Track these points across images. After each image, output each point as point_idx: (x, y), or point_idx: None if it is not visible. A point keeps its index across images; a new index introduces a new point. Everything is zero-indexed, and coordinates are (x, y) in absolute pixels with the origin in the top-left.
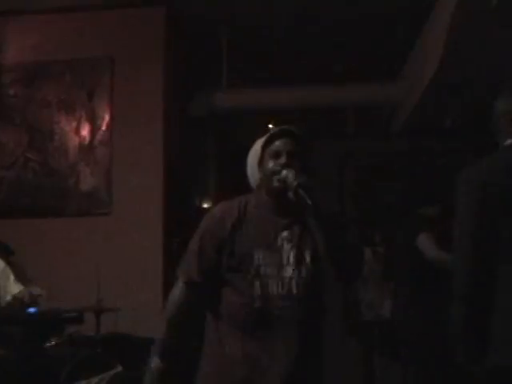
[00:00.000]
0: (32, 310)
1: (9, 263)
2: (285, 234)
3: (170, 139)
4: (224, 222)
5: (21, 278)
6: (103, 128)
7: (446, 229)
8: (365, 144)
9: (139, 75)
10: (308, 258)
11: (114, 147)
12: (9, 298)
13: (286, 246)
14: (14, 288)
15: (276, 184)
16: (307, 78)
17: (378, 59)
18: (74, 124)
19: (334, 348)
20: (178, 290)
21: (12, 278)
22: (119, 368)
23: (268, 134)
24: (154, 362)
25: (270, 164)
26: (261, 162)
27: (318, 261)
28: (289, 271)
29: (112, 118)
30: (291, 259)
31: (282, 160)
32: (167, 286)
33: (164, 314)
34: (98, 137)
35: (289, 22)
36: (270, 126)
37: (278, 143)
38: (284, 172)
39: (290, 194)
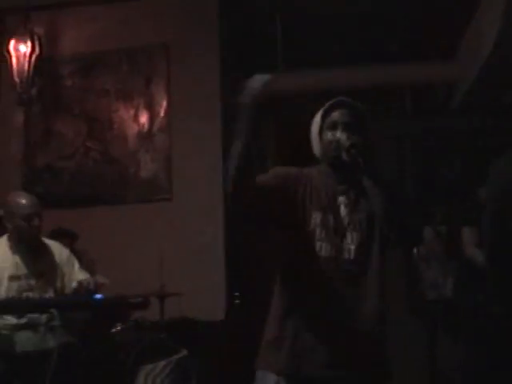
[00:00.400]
0: (98, 296)
1: (73, 250)
2: (341, 198)
3: (228, 123)
4: (294, 174)
5: (85, 264)
6: (161, 115)
7: None
8: (423, 123)
9: (195, 61)
10: (364, 223)
11: (173, 134)
12: (74, 284)
13: (343, 211)
14: (79, 275)
15: (332, 154)
16: (362, 57)
17: (433, 37)
18: (133, 112)
19: (396, 328)
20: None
21: (77, 265)
22: (184, 352)
23: (326, 105)
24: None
25: (328, 135)
26: (321, 132)
27: (374, 225)
28: (344, 235)
29: (170, 105)
30: (346, 223)
31: (339, 132)
32: (228, 271)
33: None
34: (157, 124)
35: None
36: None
37: (335, 114)
38: (337, 135)
39: (344, 155)
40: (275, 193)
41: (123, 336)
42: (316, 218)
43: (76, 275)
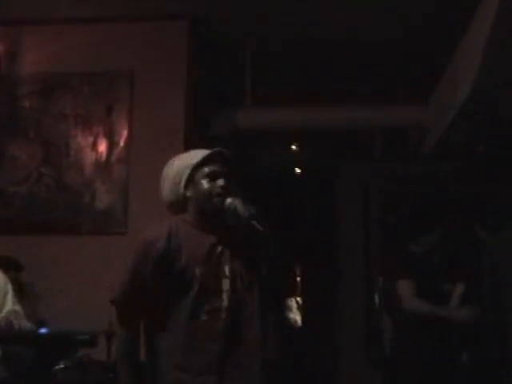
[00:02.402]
0: (42, 330)
1: (18, 281)
2: (219, 249)
3: None
4: (157, 242)
5: (29, 297)
6: (121, 144)
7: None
8: (392, 168)
9: (160, 91)
10: (241, 273)
11: (132, 165)
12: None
13: (222, 260)
14: (8, 306)
15: (215, 207)
16: (333, 97)
17: (406, 82)
18: (91, 139)
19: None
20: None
21: (10, 295)
22: None
23: (202, 155)
24: None
25: (206, 185)
26: (189, 181)
27: (251, 275)
28: (226, 284)
29: (130, 135)
30: (227, 273)
31: (221, 182)
32: None
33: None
34: (116, 153)
35: (315, 38)
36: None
37: (213, 165)
38: (229, 200)
39: (241, 225)
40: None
41: (66, 375)
42: (197, 271)
43: (8, 305)
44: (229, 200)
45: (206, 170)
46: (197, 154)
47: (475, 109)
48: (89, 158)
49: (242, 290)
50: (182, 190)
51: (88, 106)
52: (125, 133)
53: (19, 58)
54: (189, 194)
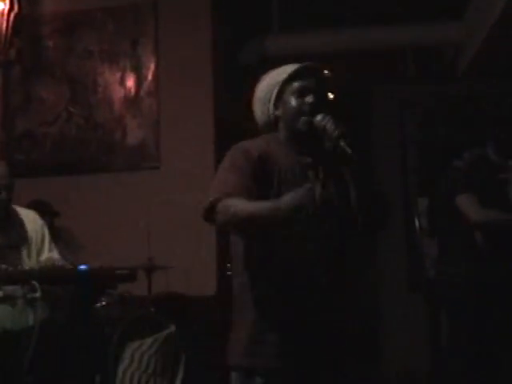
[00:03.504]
0: (83, 267)
1: (53, 226)
2: (310, 173)
3: (220, 89)
4: (251, 154)
5: (65, 241)
6: (149, 78)
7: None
8: (426, 88)
9: (185, 22)
10: (334, 199)
11: (161, 98)
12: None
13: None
14: (47, 252)
15: (304, 125)
16: (365, 18)
17: None
18: (118, 75)
19: (398, 305)
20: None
21: (47, 240)
22: (172, 328)
23: (291, 69)
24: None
25: (295, 102)
26: (278, 98)
27: (343, 203)
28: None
29: (158, 68)
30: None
31: (309, 99)
32: (220, 244)
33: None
34: (144, 88)
35: None
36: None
37: (302, 80)
38: (319, 117)
39: (329, 144)
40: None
41: (109, 311)
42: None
43: (44, 251)
44: (318, 117)
45: (295, 85)
46: (285, 70)
47: (511, 22)
48: (117, 93)
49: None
50: (271, 109)
51: (113, 42)
52: (152, 66)
53: None
54: (278, 112)
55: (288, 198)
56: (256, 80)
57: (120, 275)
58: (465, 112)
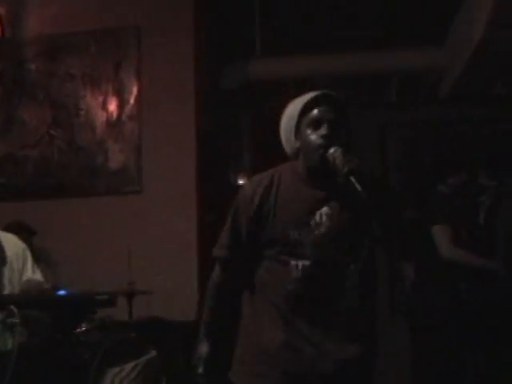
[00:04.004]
0: (62, 292)
1: (31, 246)
2: (324, 209)
3: (202, 113)
4: (254, 196)
5: (45, 262)
6: (131, 102)
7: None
8: (408, 113)
9: (168, 46)
10: (349, 230)
11: (144, 122)
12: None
13: (326, 223)
14: (30, 274)
15: (318, 159)
16: (346, 43)
17: (420, 24)
18: (101, 98)
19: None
20: (215, 271)
21: (30, 263)
22: (153, 353)
23: (306, 99)
24: (203, 346)
25: (310, 135)
26: (297, 129)
27: (359, 237)
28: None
29: (140, 92)
30: (331, 237)
31: (323, 131)
32: (201, 268)
33: (205, 297)
34: (127, 111)
35: None
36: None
37: (317, 110)
38: (331, 151)
39: (340, 180)
40: (244, 236)
41: (89, 336)
42: (291, 233)
43: (27, 274)
44: (331, 151)
45: (310, 116)
46: (302, 100)
47: (490, 48)
48: (99, 117)
49: (340, 254)
50: (293, 141)
51: (95, 65)
52: (134, 90)
53: (23, 19)
54: (297, 144)
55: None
56: (237, 105)
57: (99, 300)
58: (449, 136)
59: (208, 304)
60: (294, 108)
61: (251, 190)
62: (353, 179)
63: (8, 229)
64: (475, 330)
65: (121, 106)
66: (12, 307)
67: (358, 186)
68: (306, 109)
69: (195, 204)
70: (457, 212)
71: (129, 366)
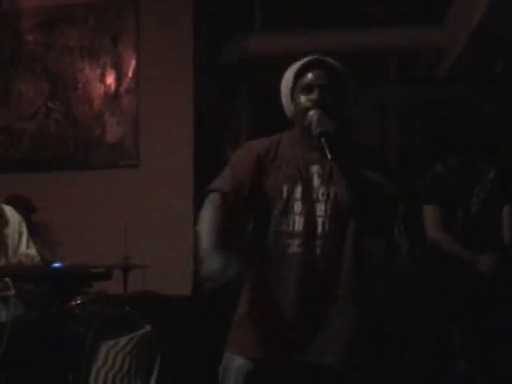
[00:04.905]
0: (57, 265)
1: (30, 222)
2: (315, 168)
3: (200, 87)
4: (253, 150)
5: (43, 237)
6: (129, 75)
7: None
8: (406, 92)
9: (167, 19)
10: (335, 196)
11: (141, 95)
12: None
13: (316, 181)
14: (25, 249)
15: (304, 122)
16: (346, 20)
17: (420, 2)
18: (99, 71)
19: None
20: (209, 204)
21: (25, 237)
22: (148, 327)
23: (299, 64)
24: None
25: (302, 99)
26: (293, 93)
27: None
28: (318, 208)
29: (138, 65)
30: (320, 196)
31: (313, 96)
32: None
33: (198, 229)
34: (124, 85)
35: None
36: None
37: (309, 75)
38: (310, 113)
39: (314, 141)
40: (245, 178)
41: (83, 309)
42: (284, 190)
43: (22, 248)
44: (310, 113)
45: (302, 82)
46: (297, 65)
47: (490, 28)
48: (97, 90)
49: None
50: (290, 105)
51: (93, 38)
52: (133, 63)
53: None
54: (292, 108)
55: (205, 261)
56: (236, 79)
57: (95, 273)
58: (446, 116)
59: (204, 229)
60: (290, 72)
61: (252, 146)
62: (323, 141)
63: (8, 201)
64: (462, 308)
65: (118, 79)
66: (7, 279)
67: (326, 148)
68: (300, 73)
69: (192, 178)
70: (453, 192)
71: (124, 340)
